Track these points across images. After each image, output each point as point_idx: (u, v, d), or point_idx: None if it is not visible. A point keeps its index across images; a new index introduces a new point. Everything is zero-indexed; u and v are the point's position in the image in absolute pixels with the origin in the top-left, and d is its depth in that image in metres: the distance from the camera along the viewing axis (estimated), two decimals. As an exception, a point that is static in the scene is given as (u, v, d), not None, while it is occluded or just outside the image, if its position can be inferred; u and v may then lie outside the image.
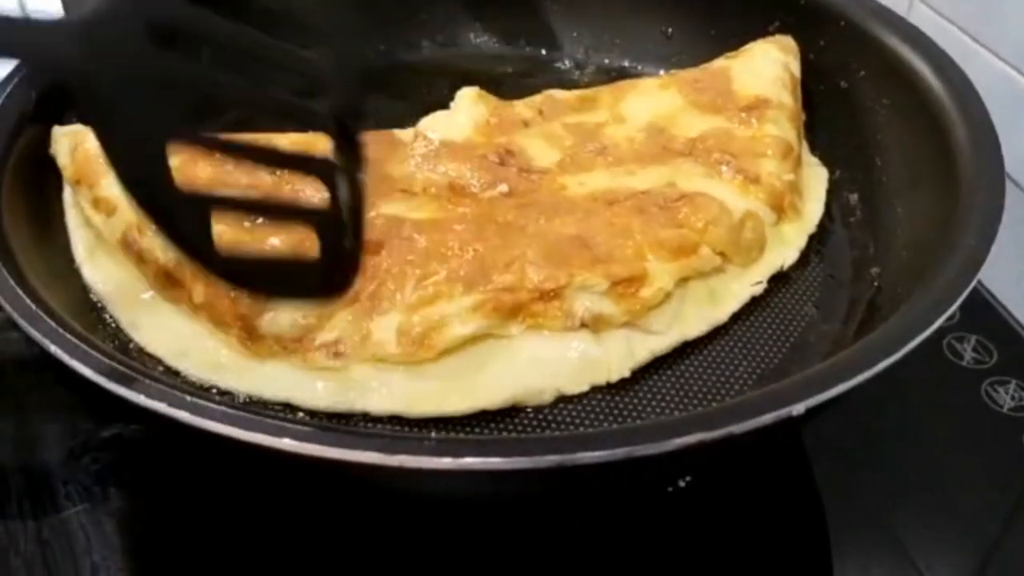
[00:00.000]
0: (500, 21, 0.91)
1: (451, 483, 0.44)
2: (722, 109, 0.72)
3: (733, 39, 0.82)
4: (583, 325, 0.58)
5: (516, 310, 0.57)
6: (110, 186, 0.62)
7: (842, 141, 0.74)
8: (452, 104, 0.75)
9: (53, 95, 0.67)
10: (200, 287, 0.58)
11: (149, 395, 0.44)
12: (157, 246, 0.59)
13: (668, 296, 0.59)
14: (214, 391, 0.57)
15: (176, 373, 0.58)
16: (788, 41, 0.78)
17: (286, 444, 0.42)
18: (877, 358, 0.46)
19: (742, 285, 0.64)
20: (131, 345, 0.60)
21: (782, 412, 0.43)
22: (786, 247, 0.67)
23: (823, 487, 0.63)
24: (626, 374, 0.58)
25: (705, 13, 0.83)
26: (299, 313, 0.56)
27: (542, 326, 0.58)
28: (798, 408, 0.43)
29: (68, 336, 0.47)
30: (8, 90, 0.64)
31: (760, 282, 0.64)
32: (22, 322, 0.48)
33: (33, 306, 0.50)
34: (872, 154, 0.71)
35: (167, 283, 0.59)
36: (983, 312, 0.76)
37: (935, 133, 0.64)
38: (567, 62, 0.89)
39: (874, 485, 0.63)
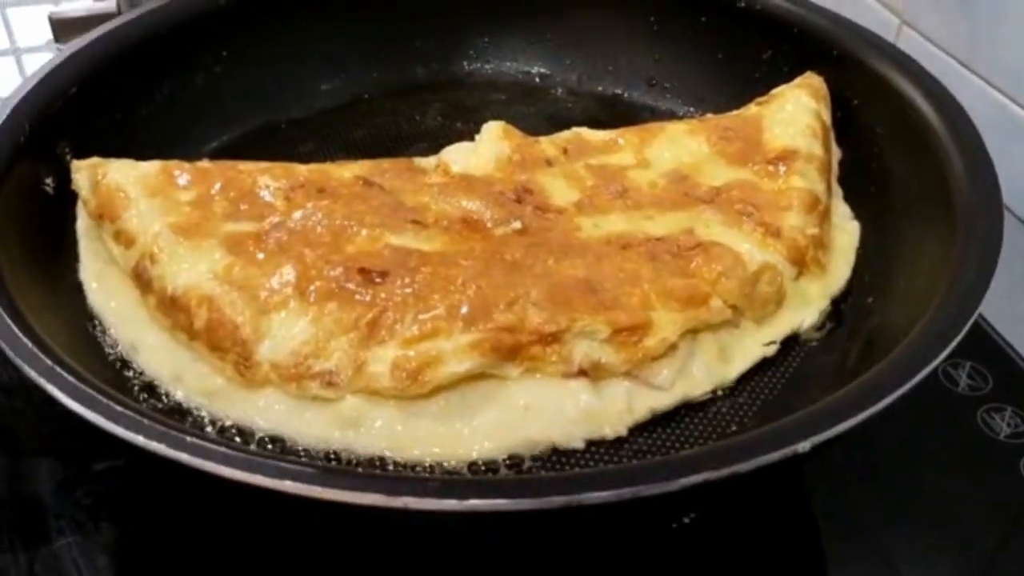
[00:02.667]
0: (493, 48, 0.91)
1: (455, 522, 0.44)
2: (749, 160, 0.70)
3: (725, 69, 0.83)
4: (582, 372, 0.57)
5: (514, 351, 0.56)
6: (131, 219, 0.63)
7: (839, 169, 0.74)
8: (477, 136, 0.74)
9: (46, 126, 0.67)
10: (203, 312, 0.57)
11: (148, 436, 0.43)
12: (166, 275, 0.60)
13: (673, 348, 0.58)
14: (206, 419, 0.57)
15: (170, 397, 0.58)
16: (819, 84, 0.76)
17: (287, 486, 0.41)
18: (883, 393, 0.46)
19: (754, 343, 0.62)
20: (128, 370, 0.60)
21: (788, 450, 0.43)
22: (806, 307, 0.65)
23: (820, 513, 0.63)
24: (623, 432, 0.57)
25: (697, 43, 0.84)
26: (297, 341, 0.56)
27: (539, 370, 0.57)
28: (804, 446, 0.43)
29: (68, 377, 0.47)
30: (1, 122, 0.64)
31: (773, 343, 0.63)
32: (24, 366, 0.48)
33: (30, 344, 0.49)
34: (868, 182, 0.72)
35: (170, 309, 0.59)
36: (977, 339, 0.76)
37: (930, 161, 0.65)
38: (560, 89, 0.89)
39: (871, 512, 0.63)
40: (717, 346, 0.61)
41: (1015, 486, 0.65)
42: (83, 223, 0.67)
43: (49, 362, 0.48)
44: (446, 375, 0.55)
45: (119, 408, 0.45)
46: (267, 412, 0.56)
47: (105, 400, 0.46)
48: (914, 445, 0.67)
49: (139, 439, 0.43)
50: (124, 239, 0.63)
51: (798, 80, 0.77)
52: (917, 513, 0.63)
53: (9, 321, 0.51)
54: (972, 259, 0.54)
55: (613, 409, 0.57)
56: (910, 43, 0.85)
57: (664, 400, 0.58)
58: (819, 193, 0.68)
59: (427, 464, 0.55)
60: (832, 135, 0.75)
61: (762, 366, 0.62)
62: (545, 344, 0.57)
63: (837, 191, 0.73)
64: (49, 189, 0.66)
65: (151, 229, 0.62)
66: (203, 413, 0.58)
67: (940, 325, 0.50)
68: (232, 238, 0.61)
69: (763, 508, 0.62)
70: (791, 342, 0.64)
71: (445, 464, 0.55)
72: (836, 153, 0.75)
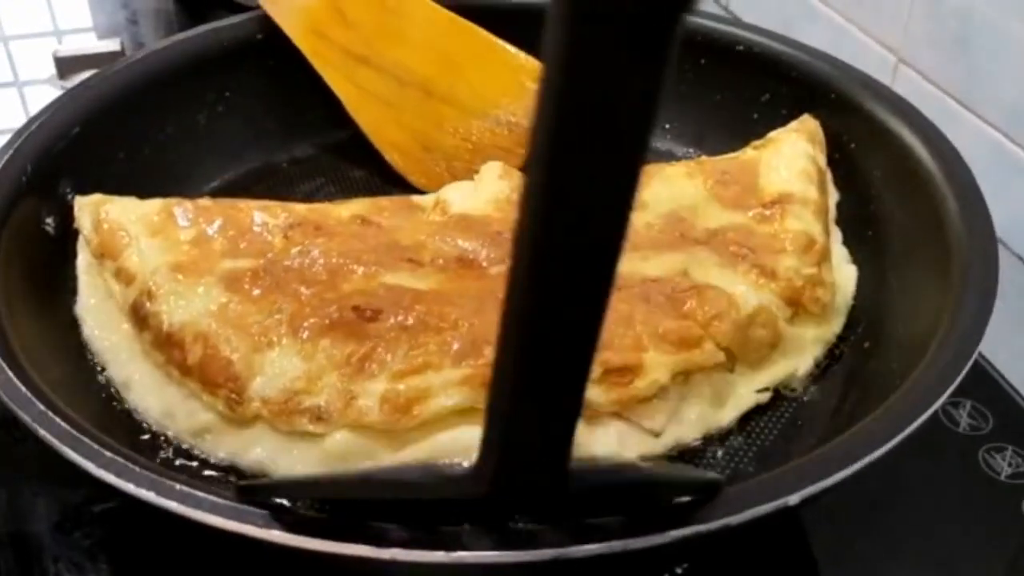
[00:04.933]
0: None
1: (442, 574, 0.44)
2: (745, 205, 0.70)
3: (724, 110, 0.83)
4: None
5: None
6: (130, 257, 0.64)
7: (836, 212, 0.74)
8: (476, 176, 0.75)
9: (48, 165, 0.67)
10: (198, 349, 0.58)
11: (138, 484, 0.44)
12: (163, 311, 0.60)
13: (664, 391, 0.58)
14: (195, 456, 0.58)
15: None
16: (814, 127, 0.76)
17: (275, 536, 0.42)
18: (874, 445, 0.46)
19: (748, 389, 0.62)
20: (119, 407, 0.60)
21: (779, 502, 0.43)
22: (801, 354, 0.64)
23: (820, 555, 0.63)
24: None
25: (697, 85, 0.84)
26: (289, 377, 0.57)
27: None
28: (793, 499, 0.43)
29: (59, 422, 0.47)
30: (2, 163, 0.65)
31: (767, 390, 0.62)
32: (18, 411, 0.48)
33: (24, 388, 0.49)
34: (866, 225, 0.72)
35: (165, 346, 0.60)
36: (978, 378, 0.76)
37: (925, 205, 0.65)
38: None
39: (871, 552, 0.63)
40: (710, 390, 0.61)
41: (1016, 526, 0.65)
42: (83, 260, 0.67)
43: (41, 407, 0.48)
44: (436, 409, 0.55)
45: (108, 454, 0.45)
46: (256, 449, 0.57)
47: (95, 446, 0.46)
48: (914, 484, 0.67)
49: (129, 487, 0.44)
50: (124, 277, 0.63)
51: (794, 124, 0.77)
52: (918, 553, 0.63)
53: (6, 368, 0.51)
54: (968, 304, 0.54)
55: (602, 452, 0.56)
56: (907, 81, 0.85)
57: (655, 446, 0.58)
58: (814, 234, 0.68)
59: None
60: (829, 177, 0.75)
61: (757, 410, 0.62)
62: None
63: (836, 234, 0.73)
64: (50, 229, 0.67)
65: (150, 267, 0.62)
66: (192, 450, 0.58)
67: (934, 373, 0.50)
68: (229, 275, 0.62)
69: (762, 550, 0.61)
70: (787, 388, 0.64)
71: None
72: (833, 195, 0.75)
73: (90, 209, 0.67)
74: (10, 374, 0.50)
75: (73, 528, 0.62)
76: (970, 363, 0.51)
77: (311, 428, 0.55)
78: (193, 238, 0.65)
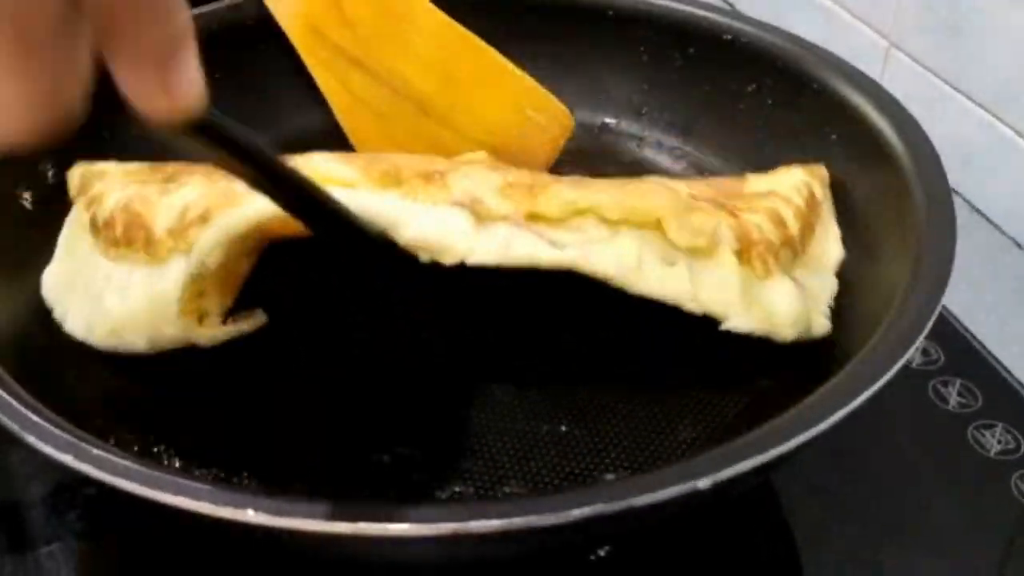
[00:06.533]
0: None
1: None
2: (723, 206, 0.63)
3: (711, 100, 0.83)
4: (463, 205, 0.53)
5: (390, 177, 0.56)
6: (102, 187, 0.67)
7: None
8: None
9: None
10: (122, 217, 0.62)
11: (115, 472, 0.44)
12: (108, 205, 0.64)
13: (580, 213, 0.53)
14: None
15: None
16: (820, 169, 0.71)
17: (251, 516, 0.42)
18: (791, 432, 0.45)
19: (682, 279, 0.55)
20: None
21: (686, 487, 0.42)
22: (741, 312, 0.57)
23: (802, 535, 0.63)
24: (490, 261, 0.52)
25: (686, 74, 0.83)
26: (186, 203, 0.60)
27: (419, 199, 0.54)
28: (704, 483, 0.42)
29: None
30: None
31: (694, 302, 0.55)
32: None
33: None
34: (841, 221, 0.70)
35: (105, 230, 0.63)
36: (967, 356, 0.76)
37: (896, 200, 0.63)
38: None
39: (858, 531, 0.62)
40: (640, 241, 0.54)
41: (1006, 502, 0.65)
42: (72, 216, 0.70)
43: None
44: None
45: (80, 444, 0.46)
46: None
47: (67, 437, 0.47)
48: (905, 462, 0.67)
49: (104, 476, 0.45)
50: (95, 203, 0.66)
51: (799, 164, 0.72)
52: (907, 531, 0.63)
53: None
54: (909, 310, 0.53)
55: (487, 239, 0.53)
56: (899, 65, 0.85)
57: (550, 254, 0.52)
58: (788, 220, 0.63)
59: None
60: (837, 235, 0.68)
61: (716, 405, 0.61)
62: (428, 181, 0.56)
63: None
64: (27, 203, 0.69)
65: (116, 188, 0.66)
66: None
67: (861, 373, 0.49)
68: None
69: (736, 531, 0.61)
70: (744, 378, 0.62)
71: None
72: (837, 253, 0.67)
73: (82, 171, 0.70)
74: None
75: (65, 510, 0.64)
76: (897, 367, 0.50)
77: (197, 231, 0.58)
78: (164, 179, 0.68)
